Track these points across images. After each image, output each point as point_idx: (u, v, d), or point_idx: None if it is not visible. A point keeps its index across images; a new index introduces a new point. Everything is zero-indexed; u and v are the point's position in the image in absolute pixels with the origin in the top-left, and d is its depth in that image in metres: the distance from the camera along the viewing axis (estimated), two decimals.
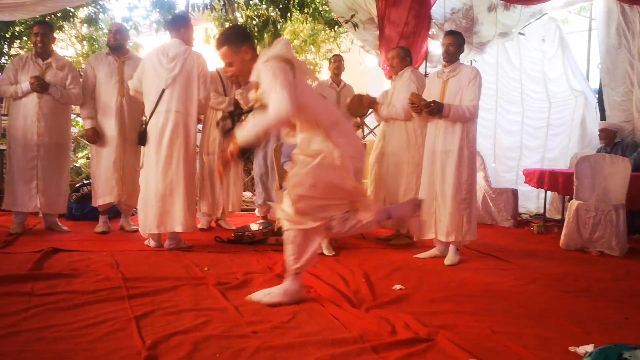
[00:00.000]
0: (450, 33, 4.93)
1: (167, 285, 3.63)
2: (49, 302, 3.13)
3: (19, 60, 5.37)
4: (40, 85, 5.17)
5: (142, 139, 4.83)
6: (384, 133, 5.80)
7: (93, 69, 5.40)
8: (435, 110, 4.62)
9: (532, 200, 8.06)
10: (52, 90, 5.23)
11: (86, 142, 7.75)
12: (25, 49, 7.29)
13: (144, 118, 4.89)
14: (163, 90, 4.70)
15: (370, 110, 6.11)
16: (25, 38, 7.17)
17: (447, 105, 4.63)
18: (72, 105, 5.58)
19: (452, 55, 4.77)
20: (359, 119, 6.64)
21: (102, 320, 2.87)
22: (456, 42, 4.78)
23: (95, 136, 5.37)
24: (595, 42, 7.70)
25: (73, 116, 7.47)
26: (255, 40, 8.45)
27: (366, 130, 8.20)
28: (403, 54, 5.50)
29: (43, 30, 5.32)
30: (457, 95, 4.69)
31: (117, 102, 5.34)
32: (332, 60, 6.68)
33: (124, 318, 2.91)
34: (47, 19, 6.75)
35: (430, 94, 4.84)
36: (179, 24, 4.96)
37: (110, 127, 5.36)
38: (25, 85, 5.18)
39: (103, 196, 5.42)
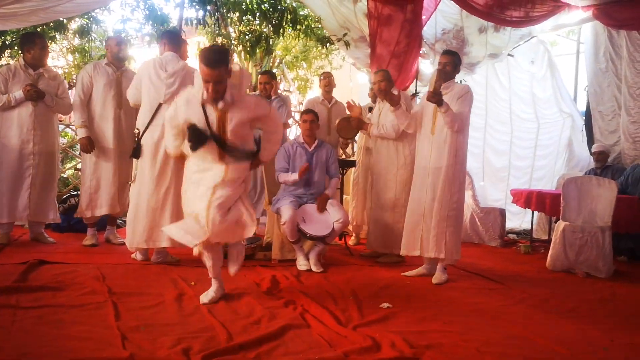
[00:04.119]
0: (447, 52, 4.93)
1: (154, 300, 3.61)
2: (34, 316, 3.10)
3: (7, 70, 5.30)
4: (36, 93, 5.16)
5: (136, 152, 4.78)
6: (368, 149, 5.84)
7: (91, 77, 5.31)
8: (437, 98, 4.57)
9: (520, 220, 8.11)
10: (47, 98, 5.24)
11: (74, 153, 7.72)
12: (15, 59, 7.25)
13: (136, 131, 4.84)
14: (159, 105, 4.69)
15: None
16: (16, 48, 7.12)
17: (447, 104, 4.62)
18: (62, 116, 5.55)
19: (448, 74, 4.78)
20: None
21: (87, 336, 2.85)
22: (453, 62, 4.80)
23: (89, 145, 5.28)
24: (583, 65, 7.81)
25: (62, 127, 7.47)
26: (248, 56, 8.50)
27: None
28: (388, 76, 5.50)
29: (46, 42, 5.40)
30: None
31: (115, 114, 5.32)
32: (322, 77, 6.74)
33: (110, 334, 2.88)
34: (39, 30, 6.74)
35: (424, 110, 4.87)
36: (180, 40, 5.03)
37: (107, 138, 5.31)
38: (18, 93, 5.17)
39: (100, 207, 5.37)
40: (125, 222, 5.25)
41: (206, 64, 3.40)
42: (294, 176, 5.06)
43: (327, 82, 6.59)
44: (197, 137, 3.51)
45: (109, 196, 5.35)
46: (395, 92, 5.25)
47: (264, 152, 3.90)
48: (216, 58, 3.40)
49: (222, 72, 3.43)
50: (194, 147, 3.53)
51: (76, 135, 6.79)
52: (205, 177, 3.59)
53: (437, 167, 4.73)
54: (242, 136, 3.65)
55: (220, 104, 3.53)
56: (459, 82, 6.72)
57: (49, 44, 6.07)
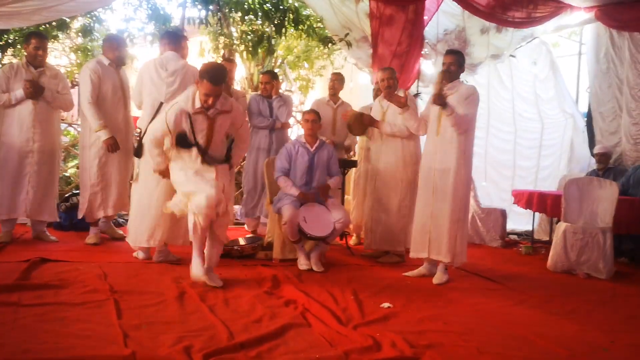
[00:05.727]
0: (450, 52, 4.89)
1: (155, 299, 3.62)
2: (35, 314, 3.11)
3: (10, 68, 5.29)
4: (35, 89, 5.15)
5: (138, 151, 4.78)
6: (368, 150, 5.85)
7: (99, 77, 5.18)
8: (441, 101, 4.55)
9: (525, 221, 8.08)
10: (47, 94, 5.23)
11: (76, 152, 7.73)
12: (18, 57, 7.27)
13: (137, 130, 4.84)
14: (161, 104, 4.69)
15: None
16: (18, 46, 7.14)
17: (452, 107, 4.57)
18: (64, 114, 5.53)
19: (452, 74, 4.74)
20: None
21: (89, 333, 2.85)
22: (457, 61, 4.76)
23: (115, 145, 5.18)
24: (585, 66, 7.81)
25: (64, 126, 7.48)
26: (249, 55, 8.50)
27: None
28: (395, 75, 5.52)
29: (43, 43, 5.34)
30: None
31: (123, 116, 5.32)
32: (330, 78, 6.74)
33: (112, 332, 2.89)
34: (41, 29, 6.76)
35: (430, 111, 4.87)
36: (180, 38, 5.02)
37: (118, 141, 5.23)
38: (19, 92, 5.16)
39: (109, 208, 5.38)
40: (126, 219, 5.25)
41: (213, 82, 3.91)
42: (294, 191, 5.07)
43: (331, 84, 6.59)
44: (183, 142, 4.09)
45: (117, 196, 5.36)
46: (401, 94, 5.23)
47: (234, 158, 4.52)
48: (221, 78, 4.00)
49: (222, 88, 4.04)
50: (181, 147, 4.11)
51: (78, 134, 6.83)
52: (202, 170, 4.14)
53: (443, 168, 4.70)
54: (222, 140, 4.31)
55: (211, 112, 4.06)
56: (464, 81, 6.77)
57: (50, 42, 6.08)
